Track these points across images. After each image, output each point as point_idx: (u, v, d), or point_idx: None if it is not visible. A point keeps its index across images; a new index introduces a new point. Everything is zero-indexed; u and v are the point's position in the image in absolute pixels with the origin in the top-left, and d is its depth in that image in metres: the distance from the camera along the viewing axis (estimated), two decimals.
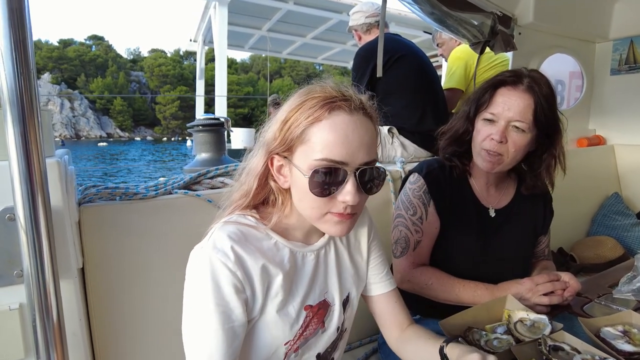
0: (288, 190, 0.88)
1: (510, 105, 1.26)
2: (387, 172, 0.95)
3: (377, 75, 2.13)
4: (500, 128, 1.27)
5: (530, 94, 1.25)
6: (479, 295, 1.30)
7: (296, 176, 0.82)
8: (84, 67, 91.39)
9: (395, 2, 2.43)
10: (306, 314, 0.91)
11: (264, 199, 0.93)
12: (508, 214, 1.44)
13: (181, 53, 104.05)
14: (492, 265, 1.40)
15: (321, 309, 0.94)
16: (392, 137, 2.39)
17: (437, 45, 3.15)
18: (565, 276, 1.24)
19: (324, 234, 0.97)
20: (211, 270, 0.78)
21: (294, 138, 0.80)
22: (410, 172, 1.48)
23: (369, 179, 0.82)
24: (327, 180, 0.78)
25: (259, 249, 0.84)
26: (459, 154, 1.43)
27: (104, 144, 64.33)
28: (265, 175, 0.88)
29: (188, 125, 2.20)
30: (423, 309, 1.46)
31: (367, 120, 0.82)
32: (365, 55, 2.42)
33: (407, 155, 2.37)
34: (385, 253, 1.12)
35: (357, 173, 0.79)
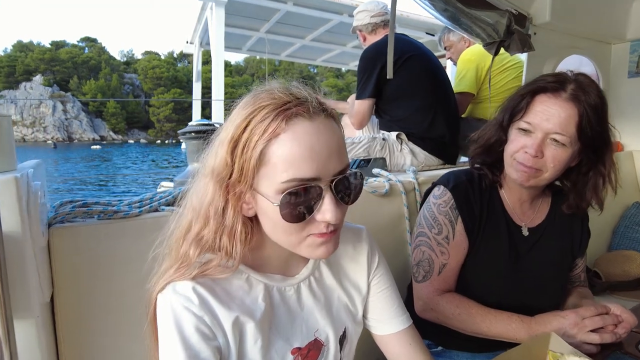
0: (254, 219, 0.76)
1: (550, 116, 1.10)
2: (362, 174, 0.81)
3: (387, 77, 1.97)
4: (536, 140, 1.11)
5: (574, 103, 1.09)
6: (514, 329, 1.13)
7: (263, 204, 0.71)
8: (77, 69, 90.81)
9: (399, 3, 2.27)
10: (294, 357, 0.80)
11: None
12: (542, 234, 1.28)
13: (175, 55, 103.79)
14: (524, 292, 1.23)
15: (312, 350, 0.83)
16: (401, 144, 2.23)
17: (445, 48, 3.00)
18: (616, 309, 1.07)
19: (307, 261, 0.86)
20: (174, 318, 0.69)
21: (251, 163, 0.67)
22: (435, 185, 1.32)
23: (347, 188, 0.73)
24: (300, 202, 0.68)
25: (226, 290, 0.74)
26: (489, 163, 1.27)
27: (97, 146, 63.78)
28: (223, 210, 0.73)
29: (180, 132, 2.02)
30: (447, 340, 1.30)
31: (330, 122, 0.71)
32: (372, 56, 2.26)
33: (418, 163, 2.21)
34: (399, 276, 0.95)
35: (332, 186, 0.69)
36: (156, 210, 1.21)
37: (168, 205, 1.24)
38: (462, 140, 2.40)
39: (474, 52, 2.68)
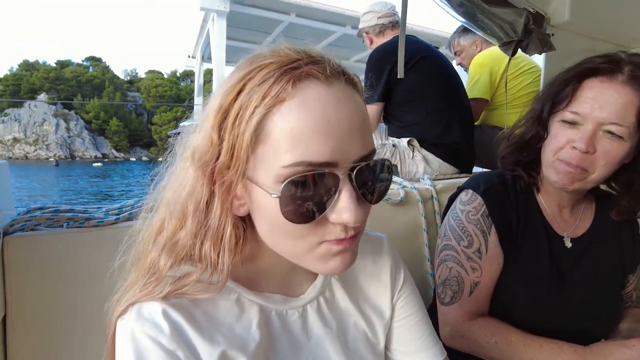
0: (247, 221, 0.58)
1: (604, 102, 0.92)
2: (391, 164, 0.58)
3: (398, 76, 1.81)
4: (587, 133, 0.94)
5: (633, 86, 0.92)
6: None
7: (258, 197, 0.53)
8: (81, 87, 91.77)
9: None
10: None
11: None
12: (587, 245, 1.09)
13: (178, 74, 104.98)
14: (572, 315, 1.04)
15: None
16: (413, 151, 2.06)
17: (455, 53, 2.86)
18: None
19: (314, 278, 0.68)
20: (136, 352, 0.51)
21: (244, 140, 0.50)
22: (461, 189, 1.14)
23: (371, 181, 0.54)
24: (308, 195, 0.50)
25: (209, 314, 0.56)
26: (524, 163, 1.09)
27: (99, 164, 63.80)
28: (206, 205, 0.55)
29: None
30: None
31: (352, 91, 0.54)
32: (381, 57, 2.11)
33: (431, 171, 2.03)
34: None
35: (353, 176, 0.51)
36: (137, 218, 1.04)
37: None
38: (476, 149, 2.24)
39: (487, 56, 2.53)
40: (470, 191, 1.09)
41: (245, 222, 0.58)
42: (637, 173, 1.01)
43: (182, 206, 0.56)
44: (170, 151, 0.60)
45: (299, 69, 0.51)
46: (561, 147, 0.98)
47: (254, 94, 0.50)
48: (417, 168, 2.05)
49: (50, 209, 0.99)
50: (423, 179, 1.70)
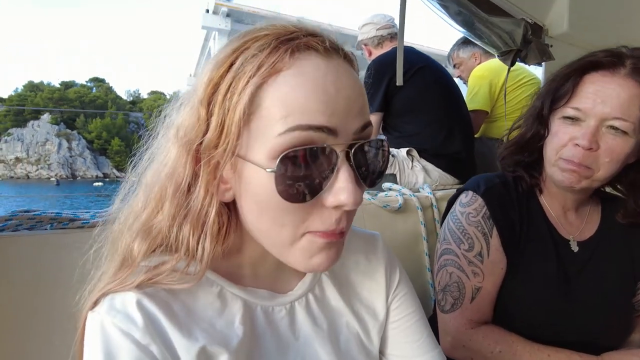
0: (231, 207, 0.54)
1: (606, 97, 0.89)
2: (388, 145, 0.55)
3: (397, 84, 1.79)
4: (589, 129, 0.90)
5: (637, 79, 0.88)
6: None
7: (249, 176, 0.49)
8: (84, 108, 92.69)
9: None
10: None
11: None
12: (595, 249, 1.04)
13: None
14: (578, 322, 0.99)
15: None
16: (412, 161, 2.03)
17: (454, 66, 2.86)
18: None
19: (303, 275, 0.64)
20: (104, 347, 0.46)
21: (236, 114, 0.46)
22: (461, 190, 1.10)
23: (369, 160, 0.51)
24: (305, 170, 0.46)
25: (188, 307, 0.52)
26: (526, 164, 1.05)
27: (100, 183, 63.89)
28: (188, 188, 0.51)
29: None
30: None
31: (350, 67, 0.52)
32: (380, 67, 2.10)
33: (431, 181, 1.99)
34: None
35: (351, 153, 0.48)
36: None
37: None
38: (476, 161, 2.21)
39: (487, 68, 2.53)
40: (471, 192, 1.05)
41: (230, 210, 0.54)
42: None
43: (161, 187, 0.51)
44: (151, 132, 0.56)
45: (297, 39, 0.48)
46: (563, 144, 0.94)
47: (247, 64, 0.47)
48: (416, 178, 2.01)
49: (37, 211, 0.96)
50: (423, 189, 1.66)
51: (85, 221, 0.93)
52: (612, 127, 0.89)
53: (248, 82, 0.46)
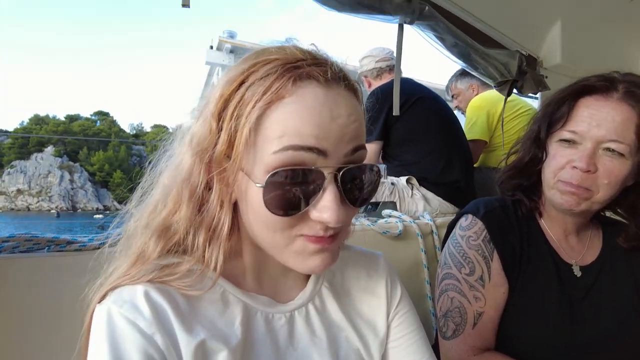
0: (234, 207, 0.57)
1: (601, 120, 0.90)
2: (379, 170, 0.59)
3: (394, 114, 1.82)
4: (586, 151, 0.91)
5: (630, 103, 0.90)
6: None
7: (245, 185, 0.53)
8: (87, 140, 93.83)
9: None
10: None
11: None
12: (598, 274, 1.02)
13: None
14: (584, 350, 0.96)
15: None
16: (412, 189, 2.03)
17: (452, 97, 2.92)
18: None
19: (305, 284, 0.67)
20: (110, 336, 0.48)
21: (243, 133, 0.51)
22: (461, 214, 1.09)
23: (357, 182, 0.55)
24: (292, 186, 0.50)
25: (191, 303, 0.54)
26: (525, 187, 1.06)
27: (100, 216, 63.68)
28: (201, 191, 0.56)
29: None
30: None
31: (351, 95, 0.56)
32: (378, 98, 2.14)
33: (431, 210, 1.99)
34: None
35: (339, 175, 0.52)
36: None
37: None
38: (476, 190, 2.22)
39: (484, 99, 2.57)
40: (470, 216, 1.04)
41: (231, 211, 0.57)
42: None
43: (178, 191, 0.55)
44: (170, 138, 0.61)
45: (301, 68, 0.52)
46: (561, 167, 0.95)
47: (256, 87, 0.51)
48: (416, 207, 2.01)
49: (34, 234, 0.95)
50: (423, 217, 1.65)
51: (82, 244, 0.92)
52: (609, 150, 0.90)
53: (254, 105, 0.50)
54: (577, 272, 1.02)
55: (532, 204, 1.04)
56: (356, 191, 0.55)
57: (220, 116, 0.53)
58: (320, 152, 0.50)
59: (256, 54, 0.55)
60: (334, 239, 0.55)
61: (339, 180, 0.52)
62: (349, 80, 0.56)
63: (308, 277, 0.67)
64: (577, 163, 0.91)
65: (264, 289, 0.62)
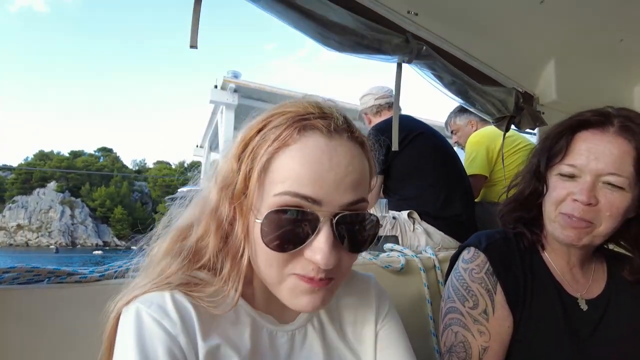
0: (244, 243, 0.64)
1: (599, 154, 0.92)
2: (379, 221, 0.64)
3: (393, 149, 1.85)
4: (586, 185, 0.92)
5: (626, 137, 0.92)
6: None
7: (251, 222, 0.60)
8: (90, 176, 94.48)
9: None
10: None
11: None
12: (606, 308, 1.01)
13: (186, 165, 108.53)
14: None
15: None
16: (414, 223, 2.03)
17: (452, 132, 2.97)
18: None
19: None
20: (138, 334, 0.53)
21: (255, 173, 0.58)
22: (463, 247, 1.09)
23: (354, 228, 0.60)
24: (288, 226, 0.56)
25: (209, 311, 0.59)
26: (526, 220, 1.06)
27: (99, 252, 63.04)
28: (222, 224, 0.63)
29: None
30: None
31: (354, 147, 0.62)
32: (378, 134, 2.18)
33: (434, 244, 1.98)
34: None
35: (334, 220, 0.57)
36: (122, 277, 0.98)
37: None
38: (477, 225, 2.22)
39: (483, 135, 2.62)
40: (472, 249, 1.04)
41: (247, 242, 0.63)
42: None
43: (207, 221, 0.62)
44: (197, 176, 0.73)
45: (308, 120, 0.59)
46: (562, 199, 0.96)
47: (269, 134, 0.59)
48: (418, 241, 2.00)
49: (34, 265, 0.95)
50: (425, 251, 1.64)
51: (83, 276, 0.92)
52: (608, 183, 0.91)
53: (265, 150, 0.58)
54: (584, 306, 1.00)
55: (534, 236, 1.04)
56: (352, 237, 0.59)
57: (240, 157, 0.60)
58: (315, 202, 0.55)
59: (276, 107, 0.63)
60: (325, 283, 0.59)
61: (334, 225, 0.57)
62: (353, 133, 0.62)
63: None
64: (578, 196, 0.92)
65: (270, 309, 0.68)
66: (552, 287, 1.00)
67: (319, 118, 0.60)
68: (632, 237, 1.01)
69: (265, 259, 0.58)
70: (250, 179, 0.58)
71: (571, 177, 0.95)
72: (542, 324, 0.96)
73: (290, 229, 0.55)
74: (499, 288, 0.97)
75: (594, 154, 0.92)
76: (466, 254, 1.05)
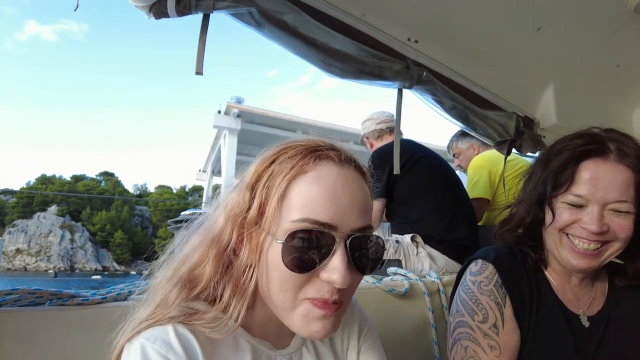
0: (252, 270, 0.66)
1: (605, 183, 0.94)
2: (384, 244, 0.71)
3: (394, 172, 1.86)
4: (595, 215, 0.93)
5: (626, 163, 0.94)
6: None
7: (267, 247, 0.62)
8: (91, 200, 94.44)
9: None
10: None
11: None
12: (607, 322, 1.02)
13: (187, 189, 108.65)
14: None
15: None
16: (417, 247, 2.02)
17: (454, 155, 2.99)
18: None
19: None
20: None
21: (273, 201, 0.62)
22: (470, 261, 1.10)
23: (364, 251, 0.64)
24: (307, 247, 0.59)
25: (210, 340, 0.61)
26: (528, 244, 1.07)
27: (98, 277, 62.39)
28: (225, 252, 0.65)
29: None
30: None
31: (360, 177, 0.68)
32: (381, 157, 2.20)
33: (437, 268, 1.96)
34: None
35: (348, 242, 0.61)
36: (125, 299, 0.98)
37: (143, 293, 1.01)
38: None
39: (485, 158, 2.63)
40: (480, 261, 1.05)
41: (251, 273, 0.65)
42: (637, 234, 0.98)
43: (206, 248, 0.63)
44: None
45: (321, 151, 0.65)
46: (569, 224, 0.97)
47: (285, 164, 0.63)
48: (422, 265, 1.98)
49: (39, 289, 0.94)
50: (429, 275, 1.62)
51: (84, 298, 0.91)
52: (615, 210, 0.93)
53: (283, 178, 0.62)
54: (585, 323, 1.02)
55: (537, 256, 1.06)
56: (363, 258, 0.64)
57: (253, 187, 0.64)
58: (331, 227, 0.60)
59: (285, 142, 0.68)
60: (337, 307, 0.62)
61: (348, 246, 0.61)
62: (357, 164, 0.69)
63: None
64: (589, 225, 0.93)
65: (268, 336, 0.71)
66: (556, 305, 1.02)
67: (330, 149, 0.66)
68: (627, 248, 1.01)
69: (280, 284, 0.60)
70: (267, 206, 0.61)
71: (578, 206, 0.96)
72: (548, 341, 0.97)
73: (309, 250, 0.59)
74: (507, 301, 0.98)
75: (600, 183, 0.94)
76: (474, 267, 1.06)
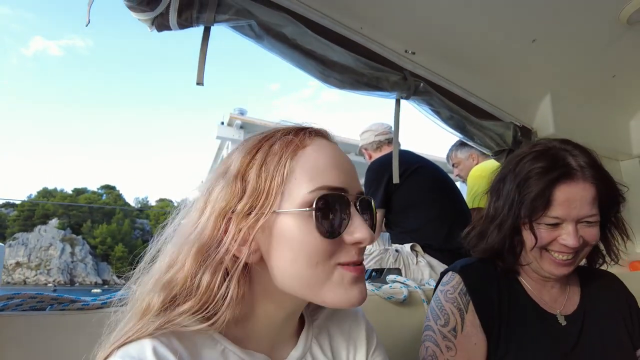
0: (249, 270, 0.62)
1: (577, 203, 1.00)
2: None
3: (394, 182, 1.88)
4: (571, 232, 1.00)
5: (591, 181, 1.00)
6: None
7: (284, 225, 0.59)
8: (92, 213, 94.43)
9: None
10: None
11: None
12: (583, 321, 1.07)
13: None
14: None
15: None
16: (417, 256, 2.02)
17: (453, 165, 3.01)
18: None
19: (296, 341, 0.71)
20: None
21: (276, 181, 0.60)
22: (443, 273, 1.16)
23: (369, 212, 0.67)
24: (332, 213, 0.60)
25: (194, 356, 0.56)
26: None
27: (98, 290, 62.07)
28: (217, 244, 0.60)
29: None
30: None
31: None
32: (379, 167, 2.22)
33: (437, 277, 1.96)
34: None
35: (358, 203, 0.63)
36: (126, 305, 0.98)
37: None
38: None
39: (485, 168, 2.65)
40: (450, 272, 1.12)
41: (246, 276, 0.61)
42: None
43: (186, 248, 0.59)
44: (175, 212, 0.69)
45: (311, 129, 0.67)
46: (550, 242, 1.02)
47: (277, 144, 0.62)
48: (422, 274, 1.99)
49: (40, 293, 0.96)
50: (428, 284, 1.63)
51: (85, 303, 0.92)
52: (587, 222, 1.01)
53: (282, 156, 0.61)
54: (562, 322, 1.06)
55: (508, 265, 1.10)
56: (369, 220, 0.66)
57: (243, 179, 0.61)
58: (343, 190, 0.61)
59: (270, 129, 0.67)
60: (364, 269, 0.63)
61: (359, 207, 0.63)
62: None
63: (298, 335, 0.72)
64: (568, 242, 1.00)
65: (262, 346, 0.66)
66: (531, 307, 1.07)
67: (318, 130, 0.69)
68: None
69: (309, 259, 0.58)
70: (269, 188, 0.59)
71: (554, 225, 1.02)
72: (524, 344, 1.01)
73: (334, 215, 0.59)
74: (470, 307, 1.04)
75: (573, 203, 1.00)
76: (444, 278, 1.13)
